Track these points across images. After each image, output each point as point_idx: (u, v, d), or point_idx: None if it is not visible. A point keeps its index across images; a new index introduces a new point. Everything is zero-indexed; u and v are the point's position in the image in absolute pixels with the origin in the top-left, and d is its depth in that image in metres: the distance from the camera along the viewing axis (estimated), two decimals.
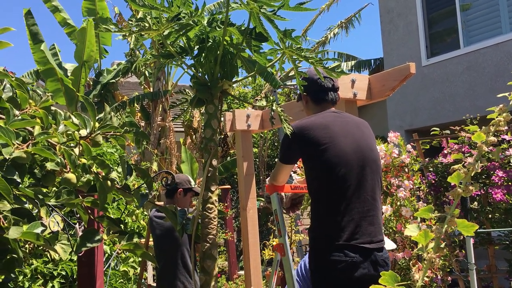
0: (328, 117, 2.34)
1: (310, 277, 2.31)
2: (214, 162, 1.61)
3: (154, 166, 8.06)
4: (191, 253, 1.75)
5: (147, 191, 1.61)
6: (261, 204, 9.04)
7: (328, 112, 2.40)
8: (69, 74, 8.56)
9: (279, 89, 11.13)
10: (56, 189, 1.55)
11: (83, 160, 1.59)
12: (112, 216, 1.85)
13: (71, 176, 1.50)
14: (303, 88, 2.38)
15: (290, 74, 11.10)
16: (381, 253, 2.22)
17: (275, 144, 11.24)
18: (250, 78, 1.78)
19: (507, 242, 4.28)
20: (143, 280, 4.01)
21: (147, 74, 9.43)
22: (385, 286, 1.16)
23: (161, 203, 3.88)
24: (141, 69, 8.86)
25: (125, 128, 1.70)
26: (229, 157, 9.40)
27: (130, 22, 1.42)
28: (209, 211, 1.58)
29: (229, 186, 7.70)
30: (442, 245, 1.23)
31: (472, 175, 1.22)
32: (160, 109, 8.86)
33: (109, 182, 1.55)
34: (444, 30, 8.47)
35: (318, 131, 2.25)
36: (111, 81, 8.71)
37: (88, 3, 8.61)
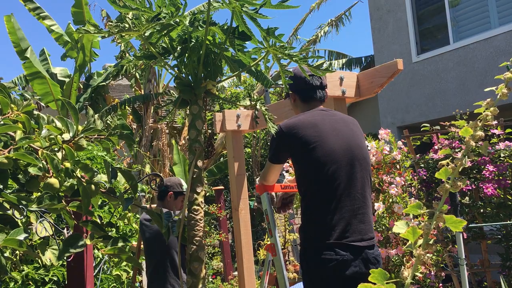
0: (316, 116, 2.34)
1: (302, 276, 2.30)
2: (200, 163, 1.59)
3: (147, 169, 8.03)
4: (178, 256, 1.74)
5: (132, 195, 1.59)
6: (255, 204, 9.02)
7: (316, 111, 2.39)
8: (59, 77, 8.52)
9: (271, 88, 11.12)
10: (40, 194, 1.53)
11: (67, 164, 1.57)
12: (103, 220, 1.84)
13: (54, 181, 1.48)
14: (290, 86, 2.37)
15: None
16: (372, 250, 2.22)
17: (268, 143, 11.23)
18: (236, 78, 1.77)
19: (500, 237, 4.29)
20: (137, 284, 3.98)
21: (138, 76, 9.40)
22: (375, 284, 1.15)
23: (154, 205, 3.86)
24: (131, 71, 8.82)
25: (110, 131, 1.69)
26: (221, 158, 9.37)
27: (110, 23, 1.40)
28: (195, 212, 1.56)
29: (222, 187, 7.68)
30: (431, 242, 1.22)
31: (460, 170, 1.21)
32: (152, 111, 8.83)
33: (93, 186, 1.53)
34: (434, 26, 8.50)
35: (306, 130, 2.25)
36: (101, 84, 8.67)
37: (75, 8, 8.57)
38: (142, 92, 9.09)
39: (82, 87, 8.91)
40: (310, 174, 2.25)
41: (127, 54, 9.25)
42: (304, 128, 2.26)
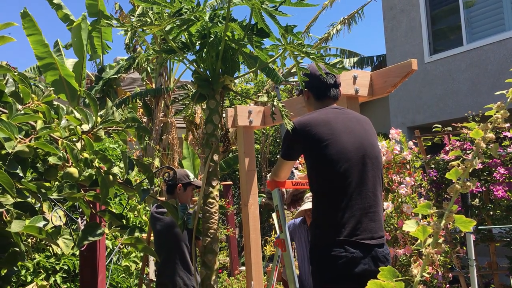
0: (329, 114, 2.35)
1: (311, 272, 2.32)
2: (216, 157, 1.62)
3: (156, 162, 8.08)
4: (192, 249, 1.76)
5: (149, 186, 1.62)
6: (263, 200, 9.05)
7: (329, 109, 2.40)
8: (71, 69, 8.58)
9: (281, 86, 11.12)
10: (58, 183, 1.56)
11: (85, 155, 1.60)
12: (114, 211, 1.87)
13: (73, 170, 1.51)
14: (304, 83, 2.39)
15: (292, 71, 11.09)
16: (382, 249, 2.23)
17: (277, 140, 11.24)
18: (251, 74, 1.79)
19: (508, 239, 4.28)
20: (144, 275, 4.03)
21: (149, 70, 9.44)
22: (384, 281, 1.17)
23: (163, 198, 3.89)
24: (143, 65, 8.86)
25: (127, 123, 1.71)
26: (231, 153, 9.41)
27: (132, 17, 1.42)
28: (210, 205, 1.58)
29: (231, 182, 7.71)
30: (440, 241, 1.24)
31: (471, 171, 1.22)
32: (163, 105, 8.87)
33: (111, 177, 1.56)
34: (447, 27, 8.45)
35: (319, 128, 2.26)
36: (113, 76, 8.72)
37: (89, 0, 8.63)
38: (153, 86, 9.13)
39: (94, 79, 8.97)
40: (322, 171, 2.26)
41: (139, 48, 9.29)
42: (317, 125, 2.27)
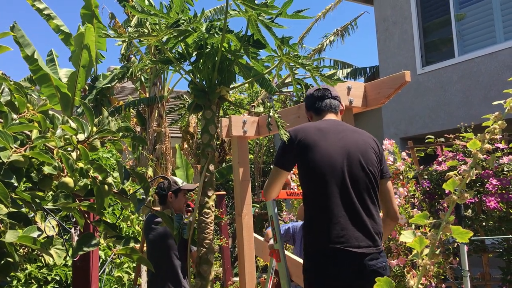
0: (322, 123, 2.35)
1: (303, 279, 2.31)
2: (211, 167, 1.62)
3: (150, 172, 8.05)
4: (188, 259, 1.75)
5: (144, 196, 1.61)
6: (256, 210, 9.03)
7: (326, 120, 2.40)
8: (65, 79, 8.56)
9: (275, 96, 11.17)
10: (53, 193, 1.55)
11: (81, 164, 1.59)
12: (108, 221, 1.86)
13: (69, 180, 1.50)
14: (306, 106, 2.41)
15: (286, 81, 11.15)
16: (369, 258, 2.15)
17: (271, 150, 11.25)
18: (246, 85, 1.80)
19: (501, 250, 4.30)
20: (137, 286, 4.00)
21: (143, 80, 9.44)
22: None
23: (158, 208, 3.88)
24: (137, 74, 8.86)
25: (122, 133, 1.71)
26: (224, 163, 9.40)
27: (129, 27, 1.43)
28: (205, 216, 1.58)
29: (224, 192, 7.69)
30: (437, 252, 1.25)
31: (467, 182, 1.23)
32: (156, 115, 8.87)
33: (106, 187, 1.55)
34: (439, 39, 8.54)
35: (309, 134, 2.26)
36: (106, 86, 8.71)
37: (85, 10, 8.63)
38: (147, 95, 9.13)
39: (87, 88, 8.95)
40: (307, 177, 2.26)
41: (133, 58, 9.30)
42: (307, 132, 2.28)
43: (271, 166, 2.45)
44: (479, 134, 1.24)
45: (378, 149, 2.39)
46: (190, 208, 3.50)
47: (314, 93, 2.42)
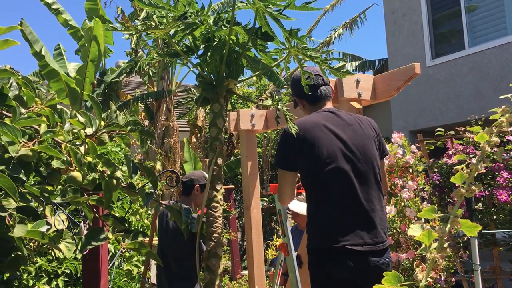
0: (320, 116, 2.29)
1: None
2: (220, 161, 1.61)
3: (158, 166, 8.08)
4: (196, 252, 1.74)
5: (152, 190, 1.61)
6: (265, 204, 9.04)
7: (323, 112, 2.33)
8: (73, 73, 8.60)
9: (283, 89, 11.13)
10: (61, 187, 1.56)
11: (89, 159, 1.59)
12: (117, 215, 1.87)
13: (77, 174, 1.50)
14: (295, 93, 2.36)
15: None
16: (375, 255, 2.11)
17: None
18: (254, 78, 1.78)
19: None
20: (146, 279, 4.02)
21: (151, 74, 9.44)
22: (388, 286, 1.16)
23: (165, 202, 3.89)
24: (145, 68, 8.87)
25: (131, 127, 1.71)
26: (232, 157, 9.40)
27: (136, 20, 1.42)
28: (214, 209, 1.58)
29: (232, 186, 7.71)
30: (445, 245, 1.23)
31: (475, 175, 1.21)
32: (164, 109, 8.88)
33: (114, 181, 1.55)
34: (449, 31, 8.45)
35: (307, 128, 2.20)
36: (115, 80, 8.72)
37: (89, 3, 8.63)
38: (155, 89, 9.14)
39: (96, 82, 8.97)
40: (309, 173, 2.20)
41: (140, 51, 9.30)
42: (306, 127, 2.20)
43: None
44: (486, 128, 1.22)
45: (376, 133, 2.34)
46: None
47: (311, 80, 2.29)
